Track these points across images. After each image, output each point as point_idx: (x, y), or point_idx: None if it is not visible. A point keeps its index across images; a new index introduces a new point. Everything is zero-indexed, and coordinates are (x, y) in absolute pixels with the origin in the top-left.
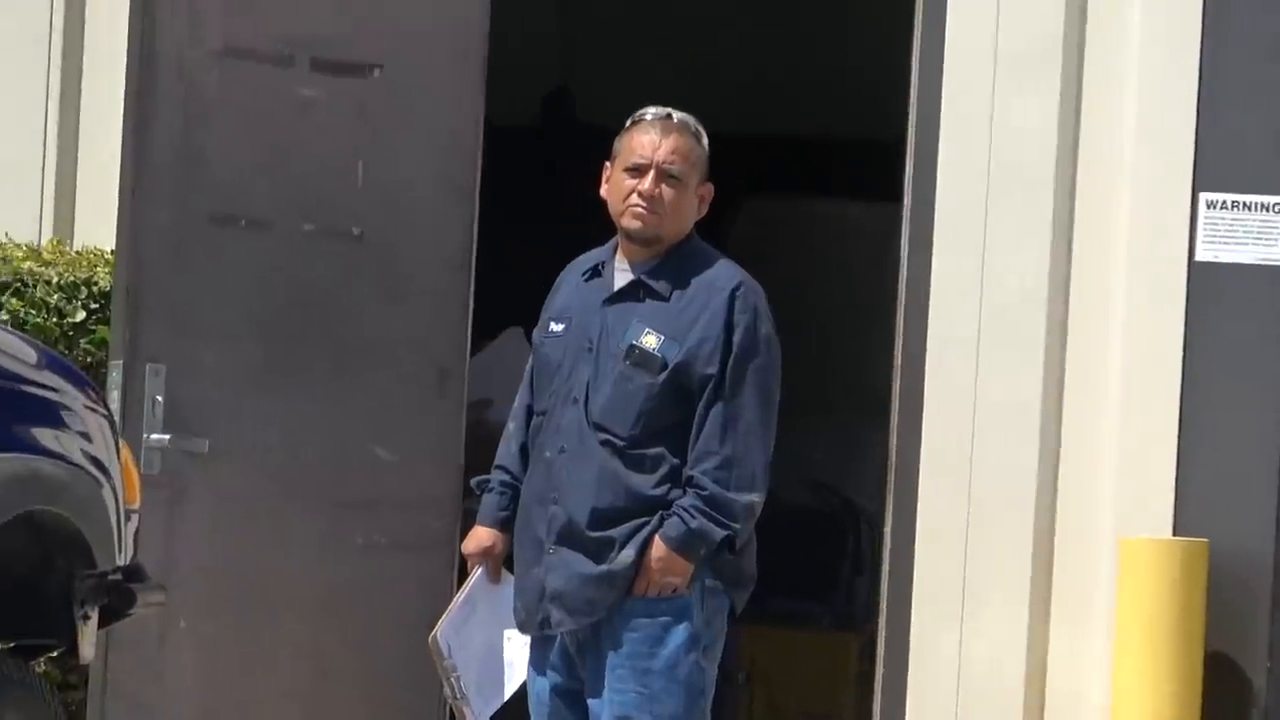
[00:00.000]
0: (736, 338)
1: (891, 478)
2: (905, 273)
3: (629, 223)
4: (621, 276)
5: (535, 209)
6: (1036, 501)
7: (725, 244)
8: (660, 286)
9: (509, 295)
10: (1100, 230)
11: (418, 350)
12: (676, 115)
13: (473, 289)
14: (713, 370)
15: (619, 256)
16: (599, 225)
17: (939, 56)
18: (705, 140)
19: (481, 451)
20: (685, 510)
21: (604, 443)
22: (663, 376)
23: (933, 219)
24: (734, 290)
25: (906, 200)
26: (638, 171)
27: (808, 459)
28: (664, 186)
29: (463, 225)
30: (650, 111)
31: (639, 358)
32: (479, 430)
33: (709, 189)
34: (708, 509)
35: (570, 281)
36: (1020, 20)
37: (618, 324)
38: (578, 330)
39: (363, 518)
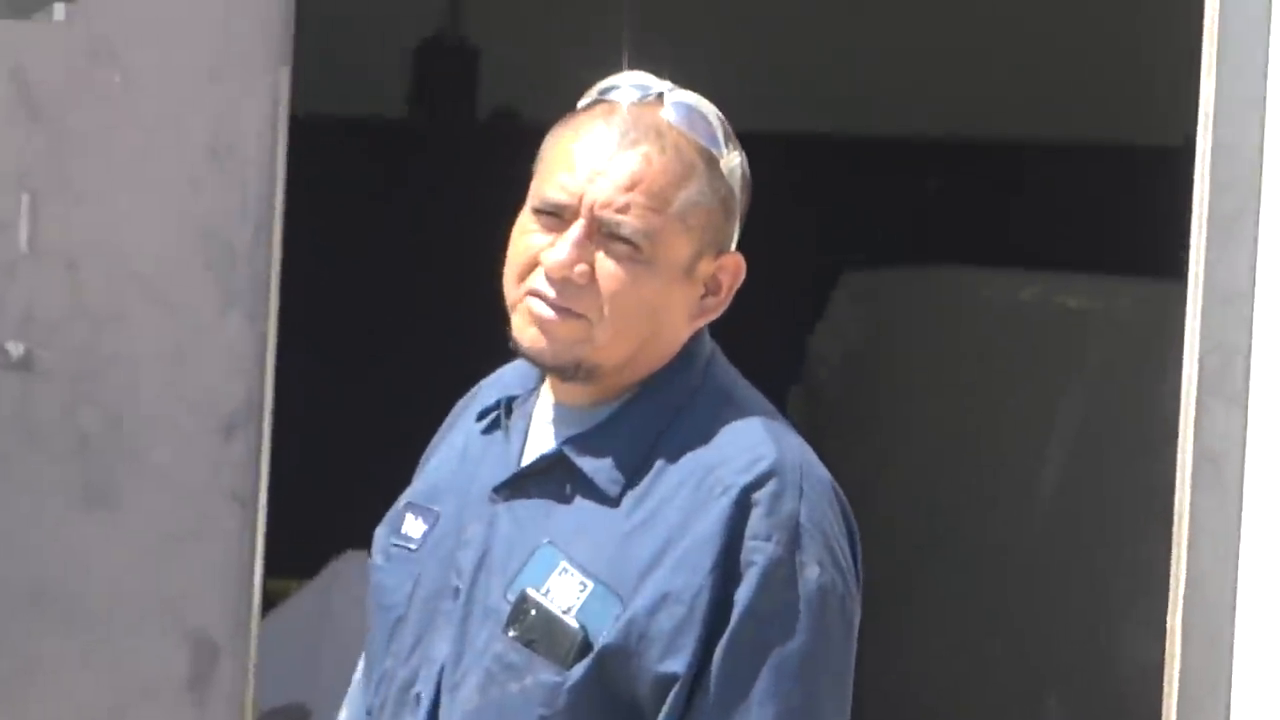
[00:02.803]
0: (743, 593)
1: None
2: (1191, 424)
3: (520, 333)
4: (540, 434)
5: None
6: None
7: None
8: (601, 472)
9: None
10: None
11: (139, 596)
12: (672, 99)
13: (266, 463)
14: (677, 667)
15: (547, 388)
16: None
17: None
18: (736, 161)
19: None
20: None
21: None
22: (578, 671)
23: (1251, 329)
24: (747, 488)
25: (1194, 288)
26: (552, 220)
27: None
28: (603, 259)
29: (242, 326)
30: (618, 86)
31: (534, 626)
32: None
33: (734, 263)
34: None
35: (463, 426)
36: None
37: (514, 543)
38: (442, 543)
39: None
